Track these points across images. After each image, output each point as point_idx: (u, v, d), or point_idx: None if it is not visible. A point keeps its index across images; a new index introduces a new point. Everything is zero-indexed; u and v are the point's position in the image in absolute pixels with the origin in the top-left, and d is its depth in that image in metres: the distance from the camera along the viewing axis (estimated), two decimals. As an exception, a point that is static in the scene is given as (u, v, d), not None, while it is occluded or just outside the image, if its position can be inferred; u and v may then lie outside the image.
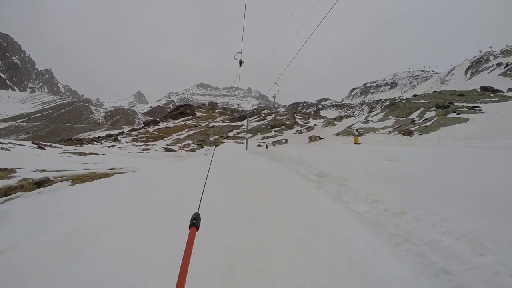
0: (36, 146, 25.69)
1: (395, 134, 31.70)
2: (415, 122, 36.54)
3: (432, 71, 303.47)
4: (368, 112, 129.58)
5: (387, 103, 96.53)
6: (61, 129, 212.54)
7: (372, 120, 46.51)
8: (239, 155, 20.48)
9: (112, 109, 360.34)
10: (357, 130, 33.65)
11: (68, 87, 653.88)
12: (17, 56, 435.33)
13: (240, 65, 17.40)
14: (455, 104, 39.29)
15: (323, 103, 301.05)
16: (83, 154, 24.73)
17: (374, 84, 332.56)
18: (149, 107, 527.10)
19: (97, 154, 26.88)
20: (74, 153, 24.61)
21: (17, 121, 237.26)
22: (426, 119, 35.44)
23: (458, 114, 33.92)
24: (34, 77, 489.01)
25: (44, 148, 24.64)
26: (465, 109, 35.68)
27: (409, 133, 30.28)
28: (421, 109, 41.46)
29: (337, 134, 46.43)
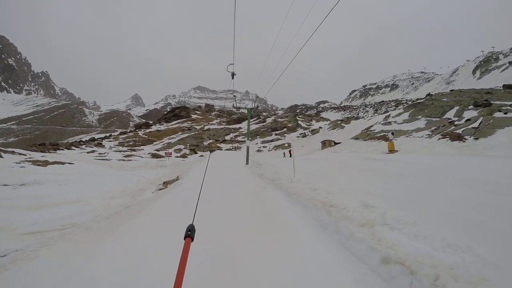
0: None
1: (439, 139, 24.63)
2: (455, 123, 29.53)
3: (433, 72, 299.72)
4: (373, 114, 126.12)
5: (409, 103, 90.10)
6: (52, 132, 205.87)
7: (395, 121, 39.52)
8: (232, 186, 11.73)
9: (108, 111, 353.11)
10: (392, 133, 26.51)
11: (65, 90, 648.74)
12: (12, 58, 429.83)
13: (233, 78, 18.33)
14: (493, 102, 32.67)
15: (322, 105, 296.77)
16: (45, 163, 21.53)
17: (374, 86, 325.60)
18: (146, 110, 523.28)
19: (63, 163, 23.31)
20: (35, 162, 21.70)
21: (8, 123, 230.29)
22: (469, 120, 28.54)
23: (505, 113, 27.66)
24: (30, 79, 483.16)
25: (0, 156, 21.55)
26: (509, 107, 29.46)
27: (459, 138, 23.27)
28: (456, 108, 34.41)
29: (356, 138, 39.39)
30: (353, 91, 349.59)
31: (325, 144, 45.13)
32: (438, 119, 34.06)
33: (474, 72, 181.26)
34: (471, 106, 33.13)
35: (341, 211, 5.71)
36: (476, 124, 26.43)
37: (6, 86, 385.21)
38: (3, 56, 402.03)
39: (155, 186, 13.28)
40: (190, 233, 1.73)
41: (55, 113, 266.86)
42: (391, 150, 22.97)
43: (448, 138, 23.92)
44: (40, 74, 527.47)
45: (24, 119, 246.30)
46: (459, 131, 25.75)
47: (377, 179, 9.42)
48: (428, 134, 28.62)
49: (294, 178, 10.71)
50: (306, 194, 7.68)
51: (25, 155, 27.97)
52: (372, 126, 43.31)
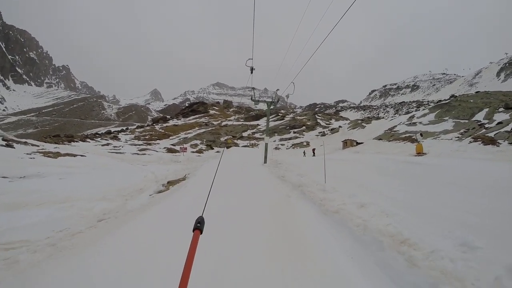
0: (3, 143, 21.45)
1: (470, 142, 23.15)
2: (486, 126, 27.91)
3: (455, 74, 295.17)
4: (394, 114, 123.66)
5: (431, 104, 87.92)
6: (71, 125, 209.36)
7: (420, 122, 37.81)
8: (247, 192, 9.59)
9: (126, 105, 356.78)
10: (420, 134, 25.11)
11: (85, 84, 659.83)
12: (34, 52, 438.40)
13: (252, 72, 18.00)
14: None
15: (341, 104, 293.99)
16: (56, 155, 20.84)
17: (394, 87, 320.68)
18: (164, 105, 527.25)
19: (74, 155, 22.43)
20: (46, 153, 20.98)
21: (28, 115, 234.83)
22: (500, 123, 26.87)
23: (540, 117, 26.19)
24: (51, 72, 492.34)
25: (12, 146, 20.88)
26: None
27: (492, 142, 21.73)
28: (486, 110, 32.67)
29: (379, 139, 37.85)
30: (372, 91, 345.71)
31: (347, 143, 43.55)
32: (466, 121, 32.35)
33: (498, 74, 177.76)
34: (501, 109, 31.37)
35: (428, 257, 3.51)
36: (509, 128, 24.77)
37: (27, 79, 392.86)
38: (24, 49, 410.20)
39: (159, 185, 12.18)
40: (199, 225, 1.67)
41: (74, 106, 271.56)
42: (420, 153, 21.66)
43: (480, 142, 22.44)
44: (61, 68, 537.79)
45: (43, 111, 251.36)
46: (491, 134, 24.19)
47: (437, 192, 7.51)
48: (458, 137, 27.18)
49: (325, 184, 8.93)
50: (354, 214, 5.70)
51: (38, 146, 27.48)
52: (395, 126, 41.65)
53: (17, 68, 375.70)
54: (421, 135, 25.18)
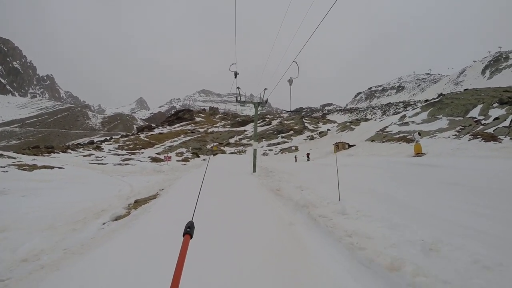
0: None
1: (470, 139, 22.05)
2: (482, 122, 26.97)
3: (439, 74, 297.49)
4: (381, 115, 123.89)
5: (419, 104, 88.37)
6: (55, 135, 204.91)
7: (413, 121, 36.88)
8: (234, 219, 6.50)
9: (111, 115, 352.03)
10: (418, 133, 23.85)
11: (70, 93, 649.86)
12: (18, 61, 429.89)
13: (235, 77, 17.93)
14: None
15: (327, 108, 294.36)
16: (32, 168, 20.56)
17: (380, 88, 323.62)
18: (150, 113, 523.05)
19: (52, 167, 22.09)
20: (22, 166, 20.79)
21: (11, 126, 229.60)
22: (497, 118, 26.03)
23: (537, 110, 25.93)
24: (35, 82, 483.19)
25: None
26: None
27: (493, 138, 20.67)
28: (480, 106, 31.81)
29: (372, 140, 36.70)
30: (358, 94, 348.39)
31: (338, 146, 41.76)
32: (461, 118, 31.47)
33: (483, 72, 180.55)
34: (495, 104, 30.62)
35: None
36: (507, 123, 23.91)
37: (11, 89, 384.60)
38: (8, 59, 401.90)
39: (125, 204, 9.98)
40: (189, 230, 1.66)
41: (58, 116, 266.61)
42: (418, 153, 20.31)
43: (480, 139, 21.34)
44: (45, 78, 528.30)
45: (27, 122, 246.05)
46: (490, 130, 23.23)
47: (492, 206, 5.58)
48: (455, 135, 26.26)
49: (341, 204, 6.19)
50: (432, 275, 3.07)
51: (15, 158, 26.98)
52: (387, 127, 40.71)
53: (0, 79, 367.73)
54: (419, 134, 23.97)
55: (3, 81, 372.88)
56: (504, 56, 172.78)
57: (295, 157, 41.06)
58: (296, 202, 7.55)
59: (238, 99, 20.54)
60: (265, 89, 19.84)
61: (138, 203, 10.10)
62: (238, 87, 19.44)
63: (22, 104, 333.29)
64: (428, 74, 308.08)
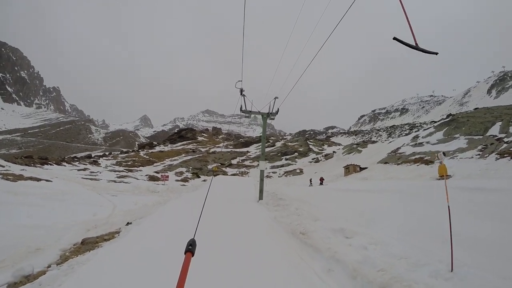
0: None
1: (497, 159, 21.18)
2: (505, 140, 26.54)
3: (442, 95, 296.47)
4: (387, 137, 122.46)
5: (424, 126, 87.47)
6: (56, 147, 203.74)
7: (428, 142, 36.01)
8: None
9: (114, 130, 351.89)
10: (443, 153, 21.45)
11: (75, 107, 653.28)
12: (25, 71, 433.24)
13: (241, 94, 17.06)
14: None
15: (331, 130, 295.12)
16: (17, 178, 20.19)
17: (383, 111, 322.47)
18: (153, 131, 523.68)
19: (39, 180, 21.51)
20: (6, 175, 20.41)
21: (12, 134, 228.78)
22: (522, 136, 24.82)
23: None
24: (41, 93, 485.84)
25: None
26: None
27: (521, 156, 18.78)
28: (499, 124, 31.20)
29: (385, 162, 35.25)
30: (362, 116, 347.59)
31: (349, 169, 39.95)
32: (481, 136, 30.62)
33: (489, 91, 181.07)
34: (514, 122, 29.65)
35: None
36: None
37: (17, 98, 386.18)
38: (16, 68, 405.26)
39: (80, 239, 7.44)
40: (191, 248, 1.62)
41: (61, 128, 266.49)
42: (442, 176, 17.92)
43: (509, 157, 20.34)
44: (52, 89, 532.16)
45: (29, 131, 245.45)
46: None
47: None
48: (478, 154, 25.46)
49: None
50: None
51: (3, 166, 26.89)
52: (399, 148, 39.92)
53: (7, 87, 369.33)
54: (444, 154, 21.81)
55: (9, 89, 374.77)
56: (510, 75, 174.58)
57: (310, 180, 37.93)
58: (354, 269, 4.28)
59: (243, 108, 17.95)
60: (276, 98, 17.34)
61: (85, 244, 7.43)
62: (243, 95, 17.09)
63: (27, 113, 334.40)
64: (432, 96, 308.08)
